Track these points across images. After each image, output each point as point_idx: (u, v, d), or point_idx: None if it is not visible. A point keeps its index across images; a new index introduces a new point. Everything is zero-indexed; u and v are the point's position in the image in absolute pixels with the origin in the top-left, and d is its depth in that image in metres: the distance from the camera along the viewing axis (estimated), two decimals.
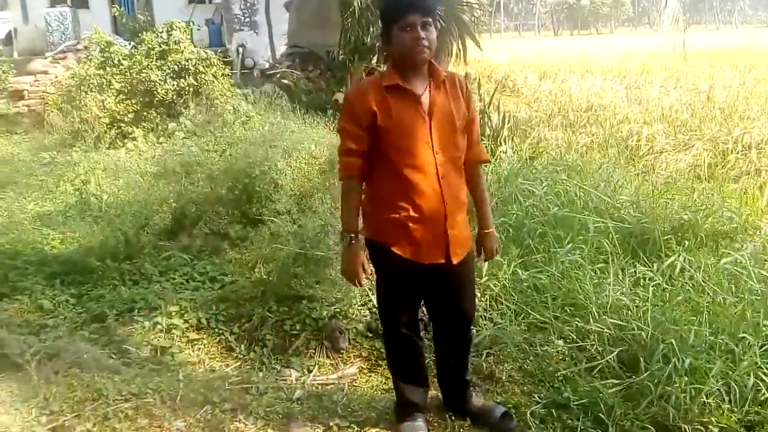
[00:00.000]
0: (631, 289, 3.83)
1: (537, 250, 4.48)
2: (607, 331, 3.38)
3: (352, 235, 2.54)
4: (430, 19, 2.43)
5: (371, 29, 10.72)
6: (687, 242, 4.62)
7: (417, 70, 2.52)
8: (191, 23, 9.51)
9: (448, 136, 2.53)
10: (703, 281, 4.03)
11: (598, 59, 23.17)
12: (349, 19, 10.00)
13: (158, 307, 3.74)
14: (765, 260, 4.42)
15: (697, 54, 24.01)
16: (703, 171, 8.70)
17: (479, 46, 12.59)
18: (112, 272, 4.25)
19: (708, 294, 3.83)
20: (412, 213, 2.51)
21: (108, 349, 3.41)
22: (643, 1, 73.71)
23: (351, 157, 2.54)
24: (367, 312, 3.64)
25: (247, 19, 15.70)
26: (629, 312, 3.52)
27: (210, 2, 17.64)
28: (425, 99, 2.51)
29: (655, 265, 4.28)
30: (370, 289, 3.54)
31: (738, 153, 9.14)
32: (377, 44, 11.01)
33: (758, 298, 3.76)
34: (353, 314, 3.62)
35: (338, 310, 3.62)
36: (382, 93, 2.50)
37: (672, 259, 4.20)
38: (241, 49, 15.43)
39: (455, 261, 2.59)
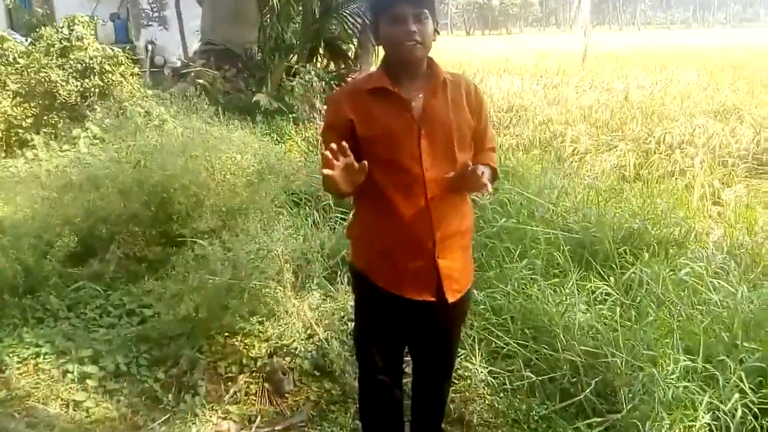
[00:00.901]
0: (594, 308, 3.58)
1: (488, 266, 4.19)
2: (578, 358, 3.10)
3: None
4: (425, 10, 2.07)
5: (292, 26, 10.25)
6: (638, 251, 4.45)
7: (410, 71, 2.14)
8: (95, 17, 8.72)
9: (443, 149, 2.13)
10: (662, 294, 3.85)
11: (513, 59, 23.41)
12: (268, 15, 9.48)
13: (68, 352, 3.20)
14: (716, 269, 4.30)
15: (606, 55, 24.71)
16: (628, 172, 8.74)
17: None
18: (12, 309, 3.61)
19: (671, 308, 3.64)
20: (393, 239, 2.14)
21: (9, 406, 2.86)
22: (551, 2, 75.85)
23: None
24: (313, 346, 3.23)
25: (156, 14, 14.84)
26: (598, 335, 3.25)
27: None
28: (417, 105, 2.12)
29: (611, 278, 4.08)
30: (315, 322, 3.13)
31: (661, 153, 9.23)
32: (297, 41, 10.55)
33: (722, 311, 3.60)
34: (297, 349, 3.19)
35: (279, 345, 3.18)
36: (365, 98, 2.13)
37: (629, 272, 4.01)
38: (150, 46, 14.57)
39: (451, 299, 2.19)
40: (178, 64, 12.72)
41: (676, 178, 8.17)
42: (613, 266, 4.27)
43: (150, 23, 14.87)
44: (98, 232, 4.27)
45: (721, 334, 3.24)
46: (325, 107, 2.50)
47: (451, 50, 27.72)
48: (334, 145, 1.87)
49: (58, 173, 5.55)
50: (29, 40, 8.50)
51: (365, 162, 1.95)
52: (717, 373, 2.92)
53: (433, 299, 2.17)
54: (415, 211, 2.11)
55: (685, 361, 2.98)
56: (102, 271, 4.13)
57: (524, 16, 71.90)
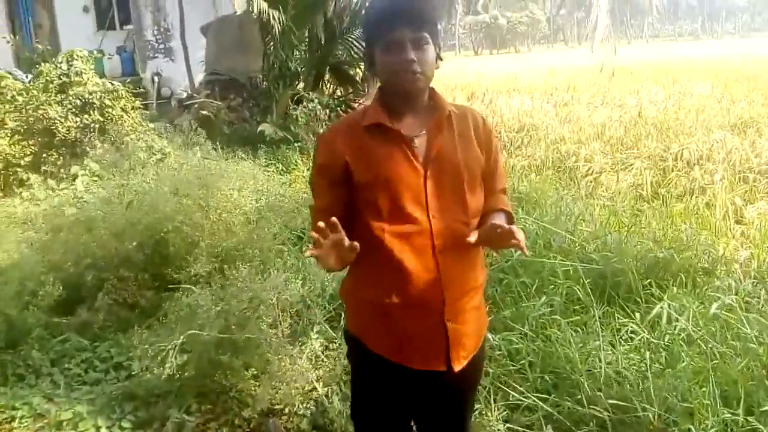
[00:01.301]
0: (620, 349, 3.29)
1: (503, 304, 3.90)
2: (605, 412, 2.80)
3: None
4: (425, 35, 1.81)
5: (295, 53, 10.10)
6: (663, 283, 4.15)
7: (410, 104, 1.87)
8: (93, 52, 8.60)
9: (452, 193, 1.85)
10: (693, 331, 3.55)
11: (522, 77, 23.21)
12: (271, 43, 9.33)
13: (46, 414, 2.94)
14: (749, 300, 3.99)
15: (616, 69, 24.44)
16: (645, 190, 8.43)
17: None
18: None
19: (702, 347, 3.34)
20: (395, 298, 1.84)
21: None
22: (558, 19, 75.86)
23: (319, 215, 1.83)
24: (312, 403, 2.95)
25: (162, 46, 14.76)
26: (627, 384, 2.95)
27: (121, 29, 16.60)
28: (420, 143, 1.85)
29: (637, 314, 3.77)
30: (317, 380, 2.85)
31: (679, 170, 8.91)
32: (302, 69, 10.39)
33: (758, 347, 3.29)
34: (294, 407, 2.91)
35: (274, 403, 2.91)
36: (361, 136, 1.85)
37: (656, 308, 3.70)
38: (156, 78, 14.48)
39: (457, 367, 1.89)
40: (185, 95, 12.62)
41: (696, 196, 7.85)
42: (638, 300, 3.97)
43: (156, 55, 14.79)
44: (88, 278, 4.03)
45: (763, 381, 2.92)
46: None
47: (459, 71, 27.58)
48: (322, 224, 1.63)
49: (52, 214, 5.35)
50: (29, 77, 8.40)
51: (356, 244, 1.69)
52: (761, 427, 2.62)
53: (441, 368, 1.87)
54: (421, 266, 1.81)
55: (724, 413, 2.68)
56: (91, 320, 3.90)
57: (532, 34, 71.85)
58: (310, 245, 1.64)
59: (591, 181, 8.80)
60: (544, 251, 4.40)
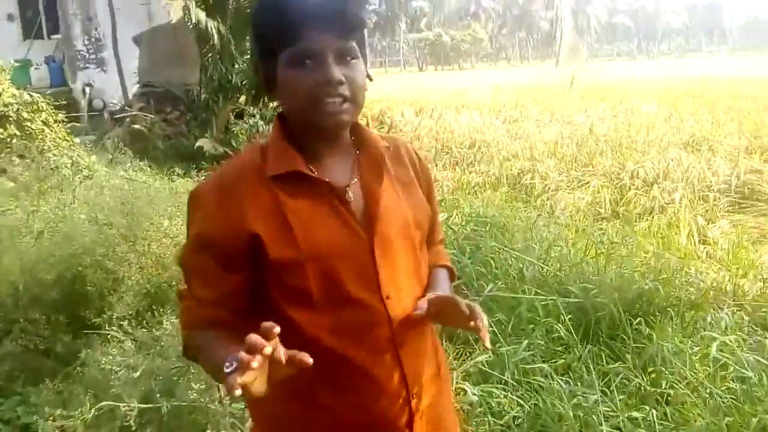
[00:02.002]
0: (618, 403, 2.85)
1: (476, 346, 3.42)
2: None
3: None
4: (352, 44, 1.23)
5: (236, 65, 9.54)
6: (648, 317, 3.76)
7: (331, 141, 1.30)
8: (10, 62, 7.84)
9: (405, 261, 1.32)
10: (692, 375, 3.16)
11: (469, 94, 23.09)
12: (209, 55, 8.76)
13: None
14: (743, 336, 3.63)
15: (557, 87, 24.52)
16: (604, 209, 8.18)
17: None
18: None
19: (700, 392, 2.95)
20: (343, 416, 1.29)
21: None
22: (500, 38, 77.17)
23: (203, 310, 1.27)
24: None
25: (93, 56, 13.93)
26: None
27: (50, 38, 15.66)
28: (355, 195, 1.29)
29: (627, 356, 3.36)
30: None
31: (637, 189, 8.71)
32: (244, 82, 9.82)
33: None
34: None
35: None
36: (269, 192, 1.25)
37: (649, 351, 3.30)
38: (87, 89, 13.66)
39: None
40: (118, 107, 11.90)
41: (656, 215, 7.63)
42: (624, 337, 3.57)
43: (87, 65, 13.97)
44: None
45: None
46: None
47: (405, 86, 27.40)
48: (256, 337, 0.95)
49: None
50: None
51: (306, 359, 1.00)
52: None
53: None
54: (379, 370, 1.28)
55: None
56: None
57: (475, 52, 72.70)
58: (229, 369, 0.96)
59: (548, 199, 8.52)
60: (518, 283, 3.96)
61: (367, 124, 9.88)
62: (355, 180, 1.30)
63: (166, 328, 2.61)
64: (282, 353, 0.98)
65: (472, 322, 1.22)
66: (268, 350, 0.94)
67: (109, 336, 3.02)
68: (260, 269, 1.24)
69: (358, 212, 1.28)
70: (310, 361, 0.99)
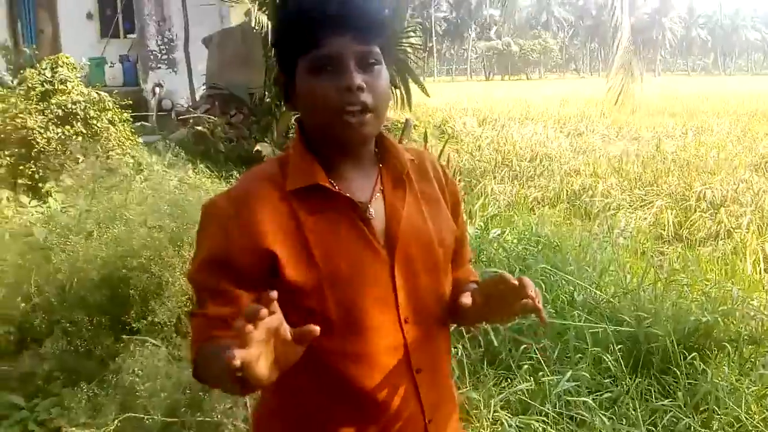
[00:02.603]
0: None
1: (519, 375, 3.30)
2: None
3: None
4: (376, 49, 1.16)
5: None
6: (704, 351, 3.57)
7: (353, 154, 1.23)
8: (82, 60, 8.09)
9: (427, 284, 1.25)
10: (747, 416, 2.97)
11: (535, 105, 22.74)
12: (273, 57, 8.84)
13: None
14: None
15: (630, 100, 23.91)
16: (666, 231, 7.89)
17: (426, 92, 11.64)
18: None
19: None
20: None
21: None
22: (570, 48, 75.87)
23: (213, 329, 1.14)
24: None
25: (165, 57, 14.32)
26: None
27: (125, 37, 16.17)
28: (377, 211, 1.22)
29: (678, 393, 3.18)
30: None
31: (703, 211, 8.36)
32: None
33: None
34: None
35: None
36: (289, 208, 1.17)
37: (701, 388, 3.12)
38: (157, 89, 14.04)
39: None
40: (185, 108, 12.17)
41: (721, 240, 7.31)
42: (677, 372, 3.38)
43: (158, 65, 14.36)
44: (36, 320, 3.46)
45: None
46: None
47: (470, 95, 27.18)
48: (256, 306, 0.86)
49: (19, 234, 4.78)
50: (15, 82, 7.89)
51: (314, 327, 0.92)
52: None
53: None
54: (395, 395, 1.22)
55: None
56: (34, 370, 3.31)
57: (544, 62, 71.73)
58: (232, 348, 0.86)
59: (608, 218, 8.27)
60: (567, 308, 3.82)
61: (428, 133, 9.79)
62: (378, 195, 1.23)
63: None
64: (287, 330, 0.92)
65: (524, 299, 1.12)
66: (264, 312, 0.86)
67: (147, 342, 3.05)
68: (276, 286, 1.09)
69: (379, 230, 1.21)
70: (317, 329, 0.92)
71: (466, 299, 1.20)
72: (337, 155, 1.21)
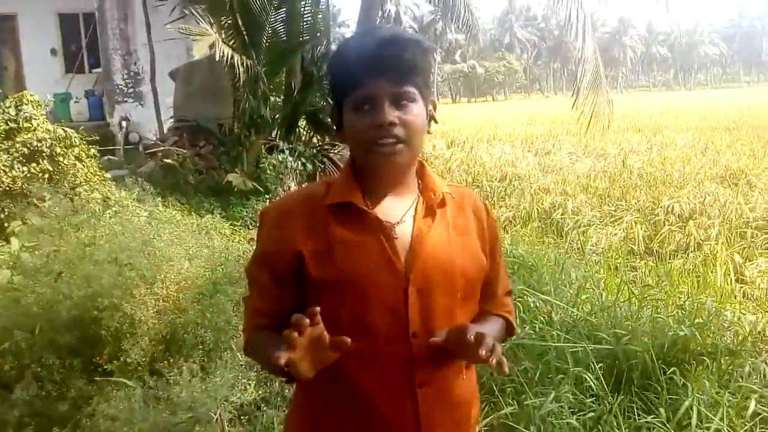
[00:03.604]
0: None
1: (502, 399, 3.28)
2: None
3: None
4: (410, 89, 1.31)
5: (269, 100, 9.58)
6: (683, 365, 3.58)
7: (389, 181, 1.38)
8: (47, 96, 7.99)
9: (442, 305, 1.34)
10: (729, 430, 2.99)
11: (502, 126, 23.00)
12: (241, 89, 8.81)
13: None
14: None
15: (592, 118, 24.29)
16: (637, 246, 7.98)
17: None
18: None
19: None
20: None
21: None
22: (534, 69, 77.09)
23: (257, 320, 1.42)
24: None
25: (131, 90, 14.20)
26: None
27: (90, 72, 16.02)
28: (402, 233, 1.35)
29: (660, 408, 3.19)
30: None
31: (671, 225, 8.49)
32: (277, 117, 9.85)
33: None
34: None
35: None
36: (322, 218, 1.35)
37: (686, 404, 3.12)
38: (124, 123, 13.90)
39: None
40: (153, 141, 12.05)
41: (691, 252, 7.40)
42: (657, 387, 3.39)
43: (125, 99, 14.23)
44: (5, 365, 3.35)
45: None
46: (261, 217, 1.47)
47: (438, 118, 27.32)
48: (299, 316, 1.10)
49: None
50: None
51: (346, 339, 1.16)
52: None
53: None
54: (390, 404, 1.33)
55: None
56: (4, 417, 3.20)
57: (509, 83, 72.77)
58: (281, 350, 1.10)
59: (579, 235, 8.34)
60: (546, 328, 3.82)
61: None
62: (408, 219, 1.37)
63: (176, 380, 2.54)
64: (327, 338, 1.15)
65: (481, 352, 1.17)
66: (298, 316, 1.09)
67: (119, 384, 2.98)
68: (303, 286, 1.35)
69: (402, 250, 1.34)
70: (349, 341, 1.15)
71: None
72: (377, 181, 1.37)
